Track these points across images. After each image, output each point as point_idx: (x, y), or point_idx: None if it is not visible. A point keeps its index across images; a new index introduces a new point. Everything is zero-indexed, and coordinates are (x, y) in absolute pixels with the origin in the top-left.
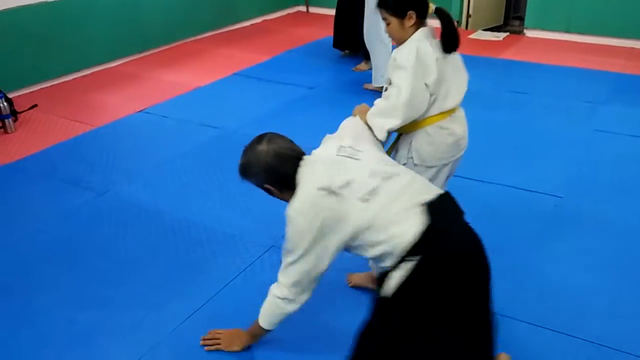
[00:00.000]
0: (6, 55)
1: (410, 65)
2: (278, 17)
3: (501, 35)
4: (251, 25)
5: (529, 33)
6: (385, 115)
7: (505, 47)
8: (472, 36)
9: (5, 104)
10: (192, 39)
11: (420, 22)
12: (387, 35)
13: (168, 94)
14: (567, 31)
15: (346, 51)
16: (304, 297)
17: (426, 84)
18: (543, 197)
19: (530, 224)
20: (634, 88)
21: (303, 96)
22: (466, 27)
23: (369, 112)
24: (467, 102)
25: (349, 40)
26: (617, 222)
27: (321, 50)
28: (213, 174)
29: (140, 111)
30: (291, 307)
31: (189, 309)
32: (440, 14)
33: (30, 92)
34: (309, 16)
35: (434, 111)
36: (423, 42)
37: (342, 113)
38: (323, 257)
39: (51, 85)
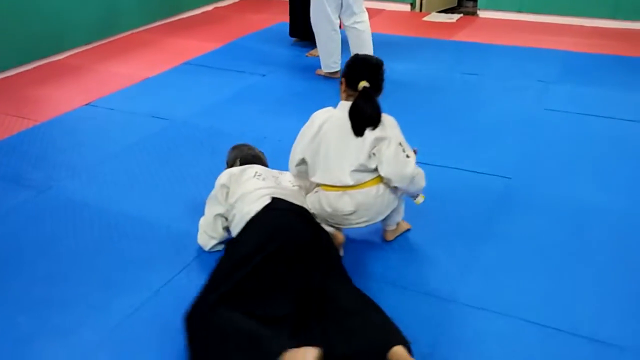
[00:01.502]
0: None
1: (304, 126)
2: (230, 4)
3: (455, 17)
4: (202, 13)
5: (482, 14)
6: None
7: (458, 28)
8: (426, 18)
9: None
10: (141, 29)
11: (353, 93)
12: (335, 18)
13: (115, 86)
14: (520, 11)
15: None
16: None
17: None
18: (492, 178)
19: (479, 206)
20: (584, 66)
21: (255, 83)
22: (420, 9)
23: None
24: (419, 85)
25: (307, 28)
26: (566, 203)
27: (275, 37)
28: (160, 167)
29: (86, 105)
30: None
31: (131, 306)
32: (362, 93)
33: None
34: (262, 2)
35: (319, 179)
36: (333, 110)
37: (293, 99)
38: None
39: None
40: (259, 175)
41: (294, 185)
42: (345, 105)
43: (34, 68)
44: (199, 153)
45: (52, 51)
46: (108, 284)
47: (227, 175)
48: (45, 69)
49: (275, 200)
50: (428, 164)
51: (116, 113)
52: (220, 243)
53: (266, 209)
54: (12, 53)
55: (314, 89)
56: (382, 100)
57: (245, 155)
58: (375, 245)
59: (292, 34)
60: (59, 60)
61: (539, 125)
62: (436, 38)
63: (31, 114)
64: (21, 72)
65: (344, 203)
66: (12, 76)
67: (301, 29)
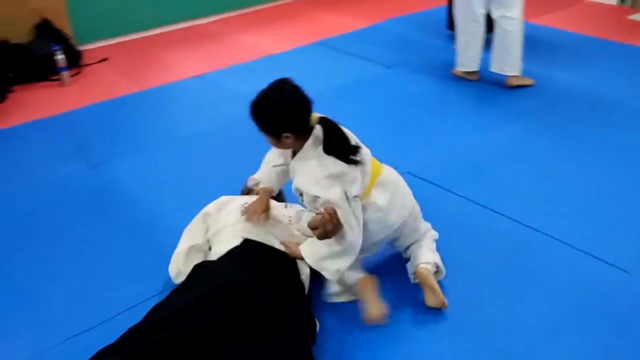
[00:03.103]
0: (94, 4)
1: None
2: None
3: None
4: None
5: None
6: None
7: None
8: (632, 17)
9: (62, 56)
10: None
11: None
12: (479, 7)
13: (239, 59)
14: None
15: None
16: None
17: None
18: (602, 267)
19: (558, 305)
20: None
21: (374, 75)
22: (632, 5)
23: None
24: (574, 106)
25: None
26: None
27: (431, 22)
28: (217, 162)
29: (197, 76)
30: None
31: (85, 325)
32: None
33: (112, 44)
34: None
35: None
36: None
37: (405, 102)
38: None
39: (134, 39)
40: (244, 207)
41: (290, 222)
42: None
43: (177, 30)
44: (263, 152)
45: (199, 14)
46: (81, 291)
47: (213, 203)
48: (185, 33)
49: (245, 243)
50: (529, 227)
51: (217, 90)
52: None
53: (228, 255)
54: (159, 13)
55: (439, 92)
56: (519, 118)
57: None
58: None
59: (450, 26)
60: (203, 24)
61: None
62: (636, 44)
63: (142, 79)
64: (163, 33)
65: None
66: (153, 35)
67: None
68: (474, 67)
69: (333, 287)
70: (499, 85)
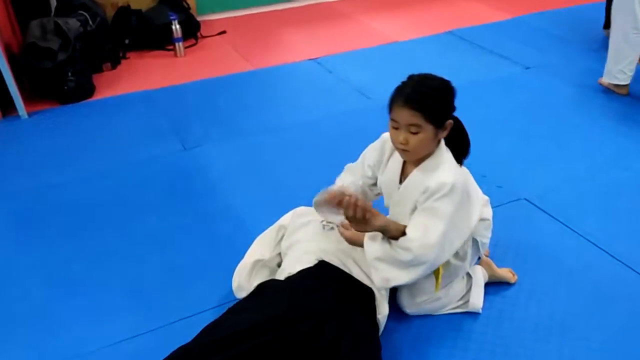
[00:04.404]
0: None
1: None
2: None
3: None
4: None
5: None
6: None
7: None
8: None
9: (178, 27)
10: None
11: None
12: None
13: (360, 43)
14: None
15: (607, 30)
16: None
17: None
18: None
19: None
20: None
21: (507, 76)
22: None
23: None
24: None
25: None
26: None
27: (583, 18)
28: (313, 159)
29: (312, 59)
30: None
31: (130, 332)
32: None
33: (234, 17)
34: None
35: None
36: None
37: (537, 110)
38: None
39: (257, 12)
40: (328, 222)
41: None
42: None
43: (303, 6)
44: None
45: None
46: (137, 291)
47: (290, 214)
48: (311, 10)
49: (320, 266)
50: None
51: (331, 77)
52: None
53: (298, 277)
54: None
55: (580, 104)
56: None
57: None
58: None
59: (607, 25)
60: (330, 3)
61: None
62: None
63: (256, 57)
64: (289, 9)
65: None
66: (278, 11)
67: None
68: (625, 80)
69: None
70: None
